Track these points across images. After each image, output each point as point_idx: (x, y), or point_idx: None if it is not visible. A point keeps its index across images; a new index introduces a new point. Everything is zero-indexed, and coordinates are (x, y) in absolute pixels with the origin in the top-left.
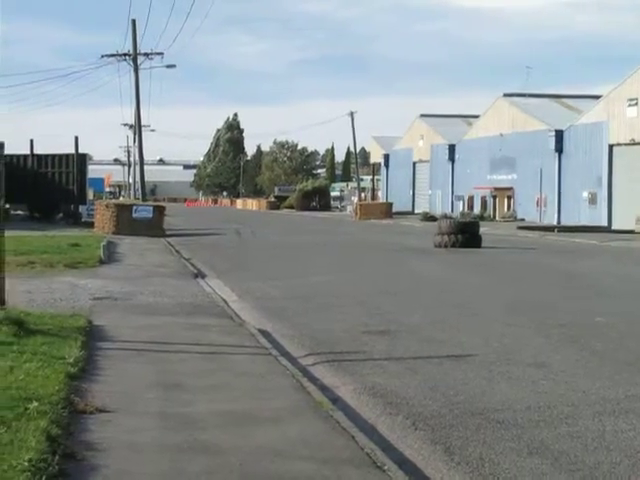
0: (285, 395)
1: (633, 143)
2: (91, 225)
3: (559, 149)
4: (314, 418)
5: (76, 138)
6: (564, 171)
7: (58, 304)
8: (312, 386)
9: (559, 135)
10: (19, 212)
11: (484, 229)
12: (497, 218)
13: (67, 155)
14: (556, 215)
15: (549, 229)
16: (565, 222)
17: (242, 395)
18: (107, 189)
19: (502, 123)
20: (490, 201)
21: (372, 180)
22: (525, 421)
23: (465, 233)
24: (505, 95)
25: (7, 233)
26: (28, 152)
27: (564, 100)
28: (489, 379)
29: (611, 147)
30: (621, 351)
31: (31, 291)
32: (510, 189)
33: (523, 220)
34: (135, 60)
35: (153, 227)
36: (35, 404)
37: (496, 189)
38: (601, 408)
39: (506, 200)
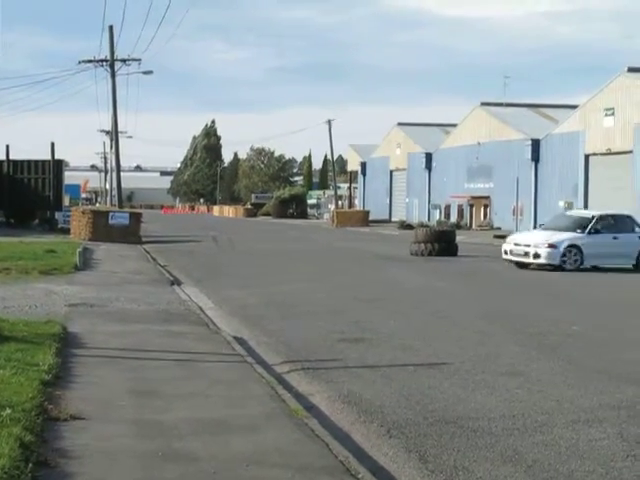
0: (260, 403)
1: (609, 153)
2: (67, 231)
3: (536, 158)
4: (289, 426)
5: (52, 144)
6: (540, 180)
7: (33, 311)
8: (287, 394)
9: (536, 144)
10: None
11: (460, 238)
12: (474, 227)
13: (43, 161)
14: (532, 224)
15: None
16: None
17: (217, 403)
18: (83, 195)
19: (479, 132)
20: (467, 210)
21: (349, 188)
22: (499, 429)
23: (441, 242)
24: (482, 104)
25: None
26: (4, 158)
27: (541, 109)
28: (464, 387)
29: (587, 157)
30: (596, 360)
31: (5, 297)
32: (487, 198)
33: (499, 229)
34: (112, 66)
35: (129, 234)
36: (8, 411)
37: (473, 198)
38: (575, 417)
39: (483, 209)
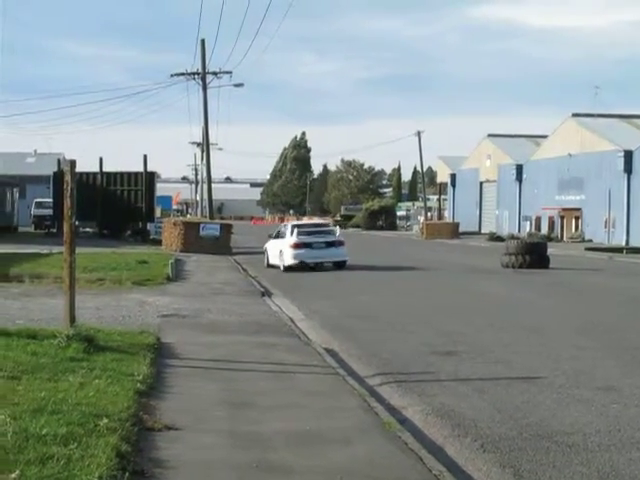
0: (353, 415)
1: None
2: (159, 243)
3: (628, 170)
4: (382, 439)
5: (145, 156)
6: (633, 192)
7: (126, 321)
8: (379, 406)
9: (628, 155)
10: (88, 229)
11: (552, 250)
12: (564, 239)
13: (136, 173)
14: (625, 236)
15: (618, 250)
16: (634, 243)
17: (310, 414)
18: (175, 207)
19: (570, 143)
20: (558, 222)
21: (438, 200)
22: (595, 445)
23: (533, 254)
24: (574, 115)
25: (77, 250)
26: (97, 170)
27: (634, 120)
28: (558, 402)
29: None
30: None
31: (100, 308)
32: (578, 210)
33: (591, 241)
34: (204, 79)
35: (220, 245)
36: (105, 420)
37: (564, 210)
38: None
39: (574, 221)
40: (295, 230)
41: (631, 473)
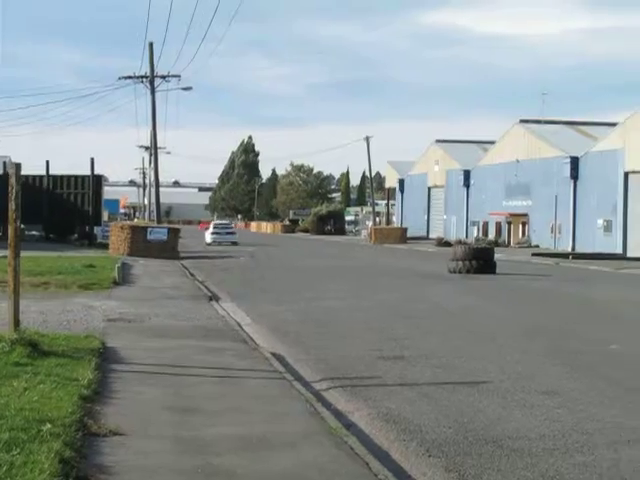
0: (299, 420)
1: None
2: (106, 247)
3: (574, 176)
4: (328, 443)
5: (92, 159)
6: (579, 198)
7: (72, 325)
8: (326, 411)
9: (574, 162)
10: (34, 233)
11: (499, 255)
12: (512, 244)
13: (83, 176)
14: (571, 242)
15: (564, 256)
16: (580, 249)
17: (256, 419)
18: (122, 210)
19: (518, 149)
20: (505, 227)
21: (387, 205)
22: (539, 450)
23: (480, 259)
24: (521, 121)
25: (22, 254)
26: (44, 173)
27: (580, 127)
28: (503, 406)
29: (627, 174)
30: (636, 379)
31: (45, 312)
32: (525, 215)
33: (537, 247)
34: (152, 82)
35: (168, 249)
36: (48, 426)
37: (511, 215)
38: (616, 437)
39: (521, 226)
40: (213, 226)
41: (575, 477)
